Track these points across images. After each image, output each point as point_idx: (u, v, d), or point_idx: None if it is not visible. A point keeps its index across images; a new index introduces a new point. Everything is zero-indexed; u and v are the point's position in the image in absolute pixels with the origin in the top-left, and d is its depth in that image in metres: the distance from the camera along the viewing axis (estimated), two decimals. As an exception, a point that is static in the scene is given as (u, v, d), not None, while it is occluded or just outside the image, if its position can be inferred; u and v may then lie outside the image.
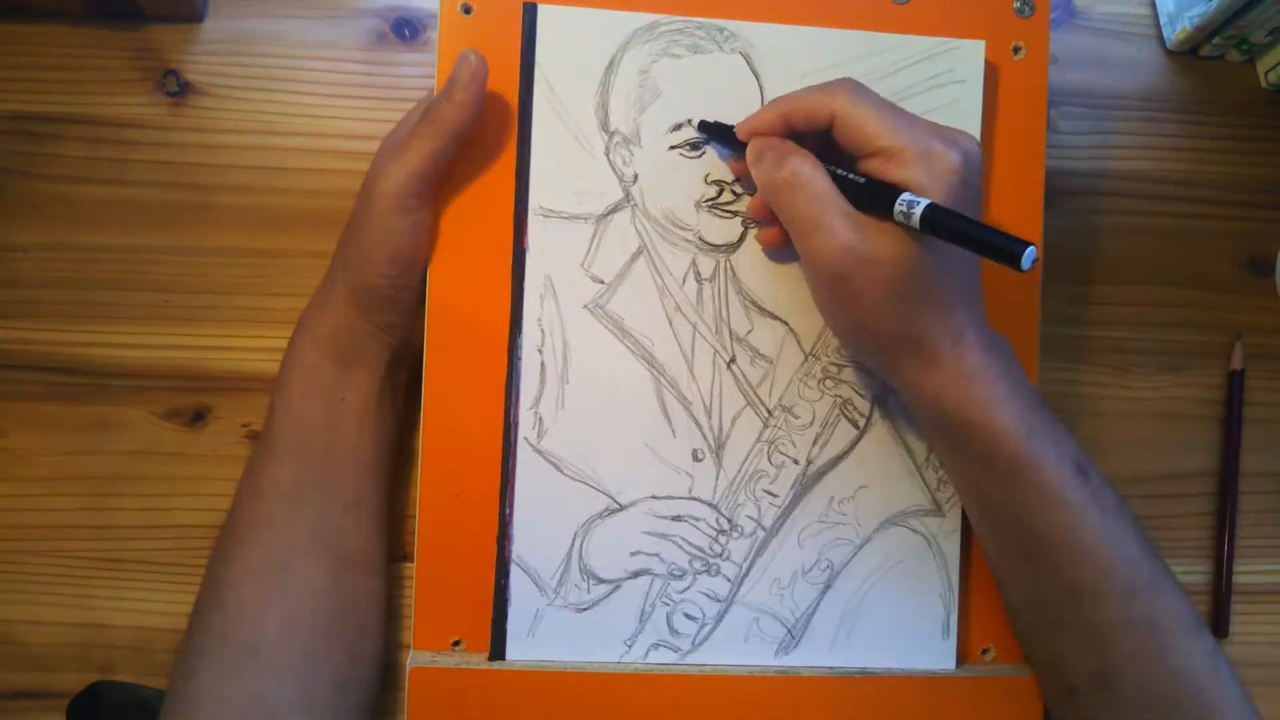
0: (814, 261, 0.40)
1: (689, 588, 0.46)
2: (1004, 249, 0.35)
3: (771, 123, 0.42)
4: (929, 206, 0.37)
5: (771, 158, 0.41)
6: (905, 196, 0.37)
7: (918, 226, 0.37)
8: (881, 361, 0.42)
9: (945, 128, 0.40)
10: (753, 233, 0.46)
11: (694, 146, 0.46)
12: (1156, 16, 0.57)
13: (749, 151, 0.43)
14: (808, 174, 0.40)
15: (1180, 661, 0.42)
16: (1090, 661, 0.42)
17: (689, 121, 0.45)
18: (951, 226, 0.36)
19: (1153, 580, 0.42)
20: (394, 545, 0.49)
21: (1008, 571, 0.45)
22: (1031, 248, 0.35)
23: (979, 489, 0.43)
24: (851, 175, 0.40)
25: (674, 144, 0.45)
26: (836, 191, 0.40)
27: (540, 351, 0.45)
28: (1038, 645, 0.46)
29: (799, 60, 0.46)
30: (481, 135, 0.45)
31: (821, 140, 0.41)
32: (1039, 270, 0.48)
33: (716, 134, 0.45)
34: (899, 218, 0.37)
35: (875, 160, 0.39)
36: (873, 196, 0.39)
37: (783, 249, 0.46)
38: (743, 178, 0.46)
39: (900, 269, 0.38)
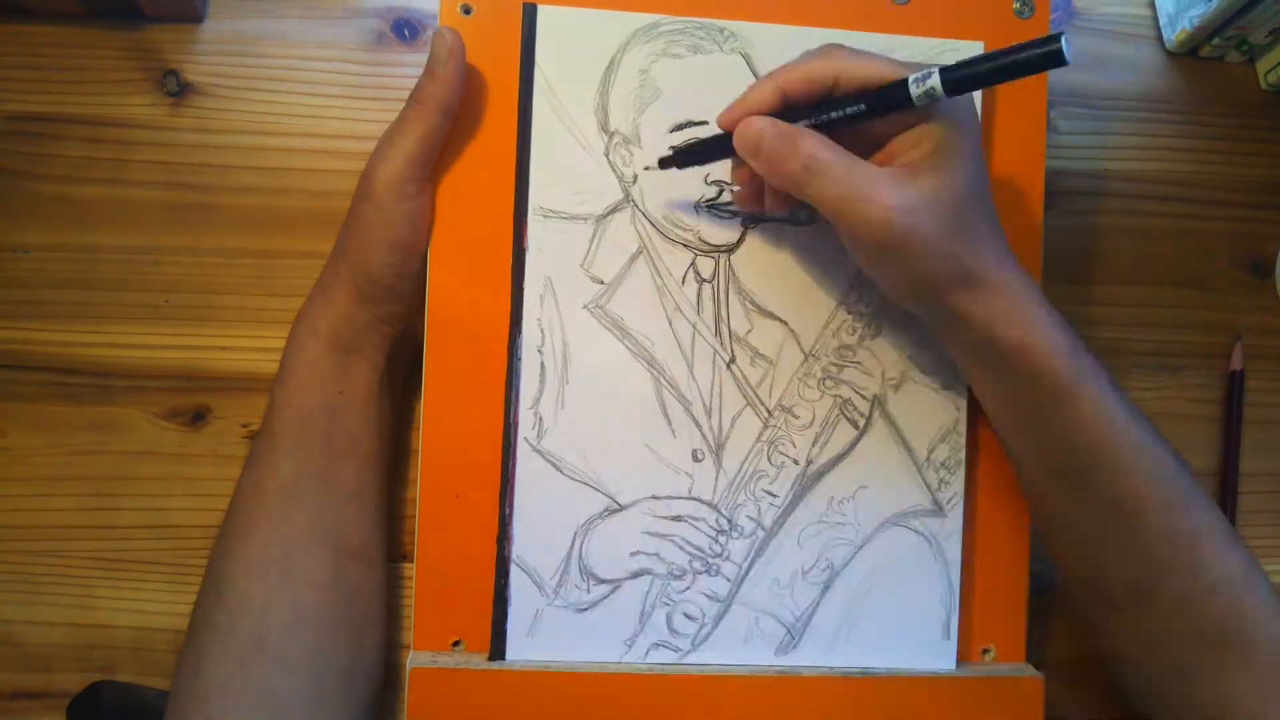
0: (860, 233, 0.39)
1: (689, 588, 0.46)
2: (1036, 54, 0.33)
3: (766, 100, 0.40)
4: (940, 70, 0.36)
5: (773, 147, 0.39)
6: (913, 76, 0.36)
7: (942, 92, 0.36)
8: (935, 303, 0.41)
9: None
10: (752, 231, 0.46)
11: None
12: (1156, 17, 0.57)
13: (741, 141, 0.40)
14: (825, 153, 0.38)
15: (1218, 572, 0.42)
16: (1130, 573, 0.43)
17: (689, 122, 0.45)
18: (976, 73, 0.35)
19: (1189, 492, 0.42)
20: (394, 545, 0.49)
21: (1049, 489, 0.45)
22: (1061, 35, 0.33)
23: (1023, 410, 0.43)
24: (847, 111, 0.38)
25: (674, 144, 0.45)
26: (853, 157, 0.38)
27: (540, 352, 0.45)
28: (1077, 560, 0.45)
29: (799, 60, 0.46)
30: (481, 135, 0.45)
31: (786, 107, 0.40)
32: (1039, 270, 0.48)
33: (688, 157, 0.43)
34: (920, 101, 0.36)
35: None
36: (885, 101, 0.37)
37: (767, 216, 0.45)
38: (744, 183, 0.44)
39: (947, 203, 0.38)
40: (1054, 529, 0.46)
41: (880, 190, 0.38)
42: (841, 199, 0.38)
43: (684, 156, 0.44)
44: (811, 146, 0.38)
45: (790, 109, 0.40)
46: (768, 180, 0.41)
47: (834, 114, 0.39)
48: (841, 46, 0.40)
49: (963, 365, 0.44)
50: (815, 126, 0.39)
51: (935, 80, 0.36)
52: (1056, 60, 0.33)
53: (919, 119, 0.39)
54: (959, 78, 0.36)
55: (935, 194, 0.38)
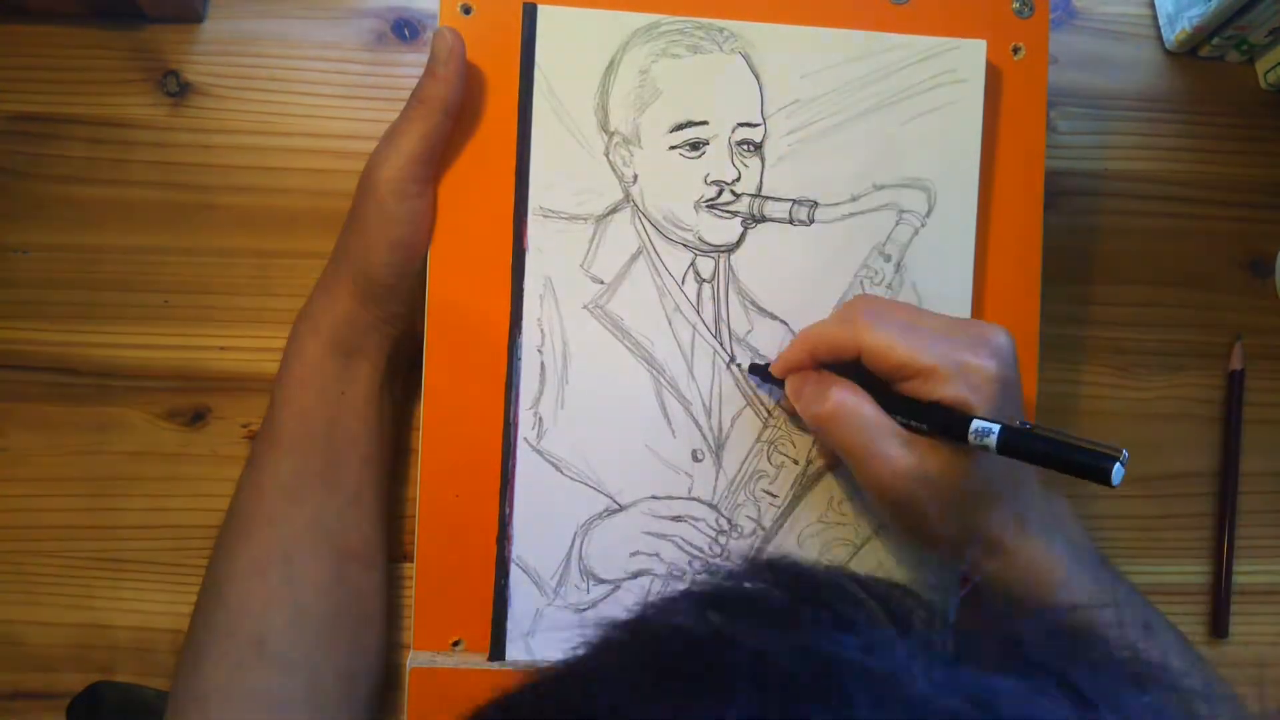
0: (874, 486, 0.40)
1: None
2: (1089, 466, 0.34)
3: (800, 360, 0.43)
4: (1003, 431, 0.36)
5: (811, 392, 0.41)
6: (976, 425, 0.37)
7: (996, 451, 0.36)
8: (949, 553, 0.43)
9: (971, 327, 0.41)
10: (752, 231, 0.46)
11: (694, 147, 0.46)
12: (1156, 17, 0.57)
13: (789, 388, 0.43)
14: (851, 404, 0.40)
15: None
16: None
17: (689, 122, 0.45)
18: (1031, 449, 0.36)
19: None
20: (394, 545, 0.49)
21: None
22: (1120, 463, 0.33)
23: None
24: (923, 403, 0.39)
25: (674, 144, 0.45)
26: (882, 414, 0.40)
27: (540, 352, 0.45)
28: None
29: (799, 60, 0.46)
30: (482, 135, 0.45)
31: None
32: (1038, 270, 0.48)
33: (764, 375, 0.45)
34: (974, 441, 0.37)
35: (912, 384, 0.39)
36: (944, 425, 0.38)
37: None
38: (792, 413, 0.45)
39: (957, 480, 0.39)
40: None
41: (900, 452, 0.39)
42: (860, 449, 0.40)
43: (760, 372, 0.45)
44: (840, 395, 0.40)
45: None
46: (805, 420, 0.43)
47: (913, 402, 0.40)
48: (865, 313, 0.41)
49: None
50: (884, 397, 0.40)
51: (993, 442, 0.37)
52: (1103, 481, 0.34)
53: None
54: (1016, 448, 0.36)
55: (949, 467, 0.39)
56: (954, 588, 0.43)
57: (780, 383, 0.44)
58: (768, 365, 0.45)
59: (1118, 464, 0.34)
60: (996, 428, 0.37)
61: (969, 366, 0.38)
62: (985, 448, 0.37)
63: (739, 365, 0.45)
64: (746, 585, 0.24)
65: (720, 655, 0.22)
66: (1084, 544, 0.43)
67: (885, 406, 0.40)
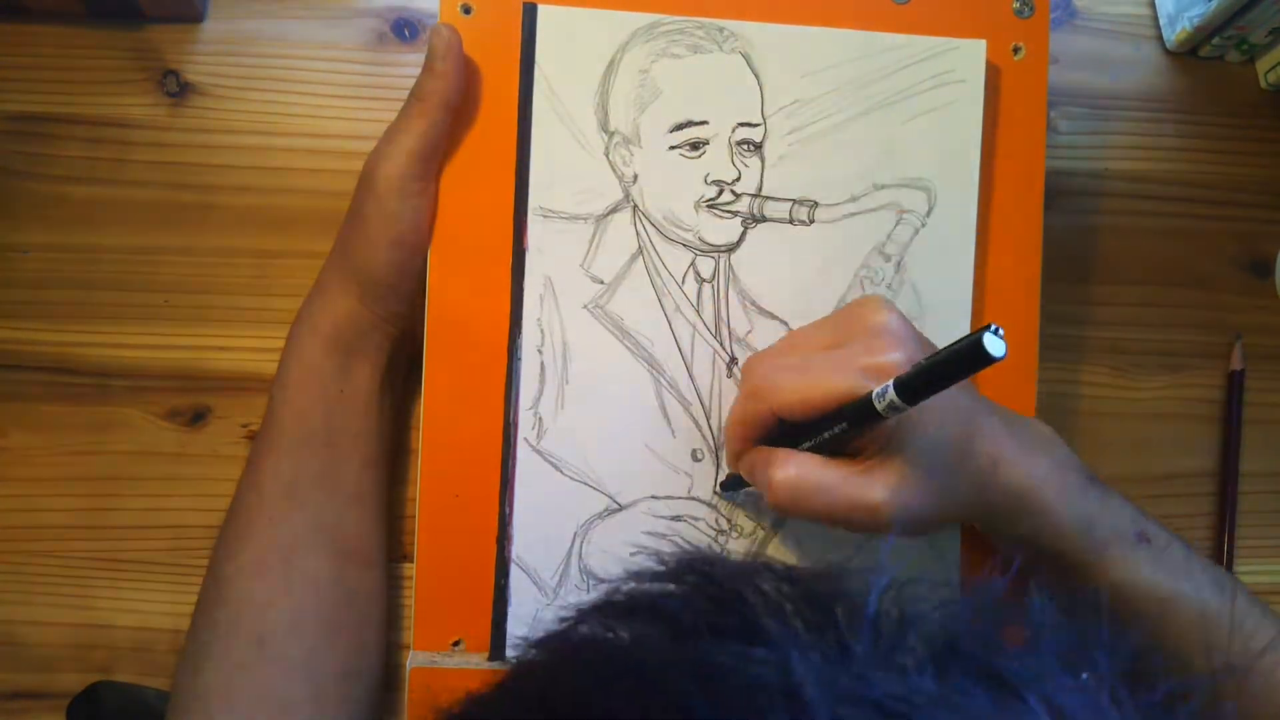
0: (867, 529, 0.40)
1: (689, 588, 0.46)
2: (970, 355, 0.33)
3: (741, 449, 0.42)
4: (894, 384, 0.36)
5: (760, 479, 0.41)
6: (874, 393, 0.37)
7: (904, 404, 0.36)
8: (950, 521, 0.43)
9: (846, 322, 0.40)
10: (752, 231, 0.46)
11: (694, 146, 0.46)
12: (1156, 17, 0.57)
13: (746, 480, 0.43)
14: (793, 477, 0.39)
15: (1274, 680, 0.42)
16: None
17: (689, 122, 0.45)
18: (924, 382, 0.35)
19: (1232, 624, 0.42)
20: (394, 545, 0.49)
21: None
22: (989, 331, 0.33)
23: (1050, 579, 0.43)
24: (836, 430, 0.39)
25: (674, 144, 0.45)
26: (827, 465, 0.39)
27: (540, 352, 0.45)
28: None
29: (799, 60, 0.46)
30: (481, 135, 0.45)
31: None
32: (1038, 270, 0.48)
33: (734, 484, 0.45)
34: (889, 414, 0.37)
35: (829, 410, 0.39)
36: (862, 421, 0.38)
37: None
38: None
39: (922, 471, 0.39)
40: None
41: (861, 493, 0.38)
42: (833, 514, 0.39)
43: (732, 484, 0.45)
44: (780, 474, 0.39)
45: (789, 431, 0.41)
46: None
47: (826, 434, 0.39)
48: (755, 374, 0.41)
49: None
50: (812, 447, 0.40)
51: (894, 396, 0.36)
52: (987, 361, 0.33)
53: None
54: (915, 390, 0.36)
55: (908, 468, 0.38)
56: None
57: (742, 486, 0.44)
58: (729, 480, 0.45)
59: (989, 334, 0.32)
60: (889, 383, 0.36)
61: (871, 366, 0.38)
62: (896, 407, 0.36)
63: (719, 489, 0.46)
64: (663, 590, 0.24)
65: (615, 672, 0.22)
66: (1071, 463, 0.42)
67: (819, 446, 0.40)
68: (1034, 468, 0.41)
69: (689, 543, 0.46)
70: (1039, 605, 0.23)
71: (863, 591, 0.22)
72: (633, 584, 0.25)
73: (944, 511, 0.40)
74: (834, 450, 0.40)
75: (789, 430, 0.41)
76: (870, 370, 0.38)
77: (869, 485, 0.39)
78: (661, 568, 0.25)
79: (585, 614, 0.25)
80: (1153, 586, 0.42)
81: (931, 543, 0.47)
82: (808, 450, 0.40)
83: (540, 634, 0.25)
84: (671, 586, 0.24)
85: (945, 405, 0.39)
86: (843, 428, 0.38)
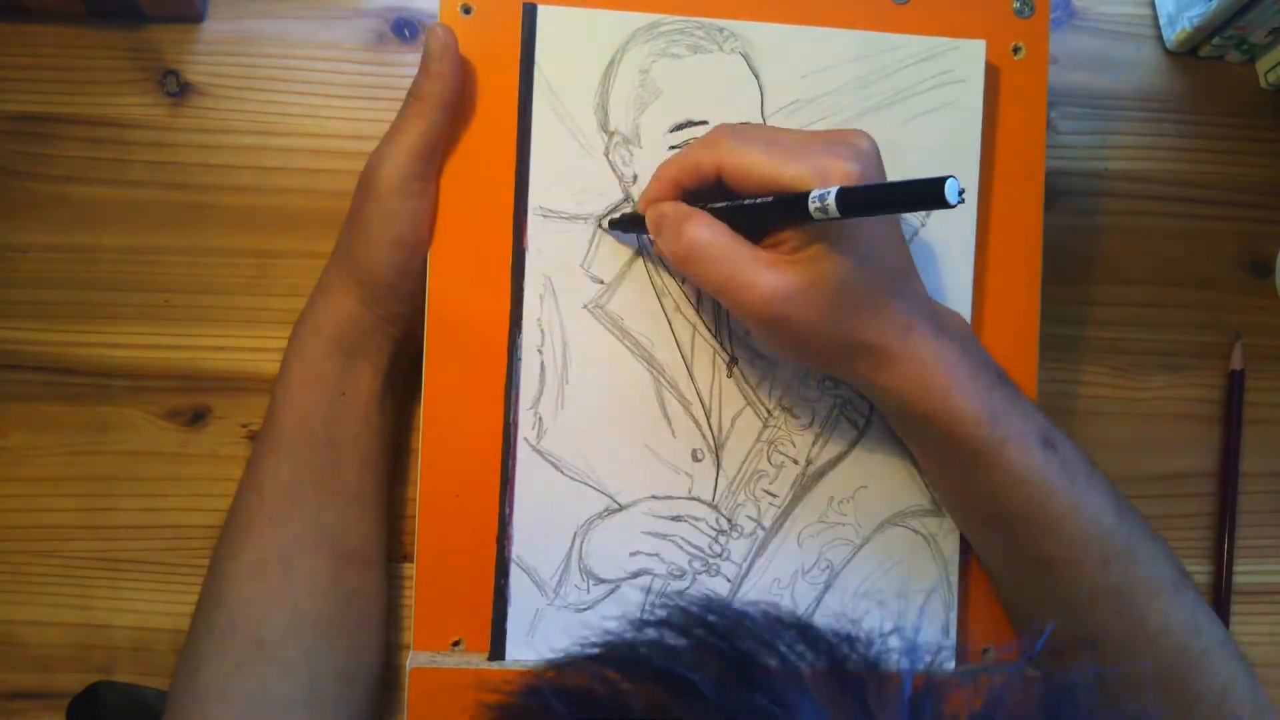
0: (745, 314, 0.39)
1: (689, 588, 0.46)
2: (925, 193, 0.33)
3: (663, 191, 0.42)
4: (840, 191, 0.36)
5: (668, 231, 0.40)
6: (815, 193, 0.36)
7: (839, 214, 0.36)
8: (841, 371, 0.42)
9: (834, 135, 0.40)
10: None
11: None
12: (1156, 17, 0.57)
13: (649, 223, 0.42)
14: (705, 238, 0.39)
15: (1160, 622, 0.42)
16: (1069, 628, 0.43)
17: (689, 122, 0.45)
18: (868, 199, 0.35)
19: (1127, 546, 0.42)
20: (394, 545, 0.49)
21: (984, 549, 0.46)
22: (952, 179, 0.33)
23: (948, 475, 0.44)
24: (758, 200, 0.39)
25: (674, 144, 0.45)
26: (738, 241, 0.39)
27: (540, 351, 0.45)
28: (1021, 615, 0.46)
29: (799, 60, 0.46)
30: (481, 135, 0.45)
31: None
32: (1038, 270, 0.48)
33: (626, 224, 0.44)
34: (817, 215, 0.36)
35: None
36: (785, 212, 0.38)
37: None
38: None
39: (828, 288, 0.38)
40: (993, 580, 0.47)
41: (757, 277, 0.38)
42: (720, 285, 0.39)
43: (623, 224, 0.44)
44: (694, 231, 0.39)
45: (699, 194, 0.41)
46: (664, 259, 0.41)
47: (745, 201, 0.39)
48: (726, 132, 0.41)
49: (892, 427, 0.45)
50: (726, 209, 0.40)
51: (832, 203, 0.36)
52: (940, 203, 0.33)
53: None
54: (854, 203, 0.36)
55: (816, 278, 0.38)
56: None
57: (642, 229, 0.43)
58: (622, 217, 0.44)
59: (949, 179, 0.33)
60: (833, 189, 0.36)
61: (829, 170, 0.37)
62: (826, 212, 0.36)
63: (605, 223, 0.45)
64: (661, 638, 0.24)
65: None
66: (981, 361, 0.42)
67: (743, 230, 0.39)
68: (946, 349, 0.40)
69: (689, 543, 0.46)
70: (1082, 686, 0.23)
71: (885, 656, 0.22)
72: (637, 635, 0.25)
73: (830, 340, 0.39)
74: (752, 235, 0.39)
75: (715, 198, 0.40)
76: (823, 170, 0.37)
77: (769, 274, 0.38)
78: (664, 611, 0.25)
79: (570, 662, 0.25)
80: (1052, 491, 0.41)
81: (930, 542, 0.47)
82: (724, 217, 0.40)
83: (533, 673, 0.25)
84: (683, 642, 0.24)
85: (881, 245, 0.39)
86: (767, 200, 0.38)
